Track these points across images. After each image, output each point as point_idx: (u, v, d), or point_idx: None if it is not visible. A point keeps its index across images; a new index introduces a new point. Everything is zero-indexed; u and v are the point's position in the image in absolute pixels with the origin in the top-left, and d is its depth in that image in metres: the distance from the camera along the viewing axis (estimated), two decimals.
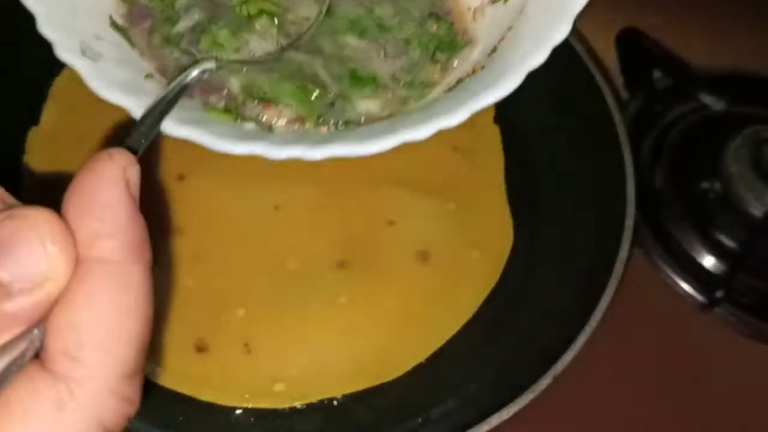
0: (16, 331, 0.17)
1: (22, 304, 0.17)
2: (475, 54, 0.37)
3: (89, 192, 0.19)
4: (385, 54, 0.37)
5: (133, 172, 0.19)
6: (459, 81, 0.35)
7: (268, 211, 0.44)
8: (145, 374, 0.38)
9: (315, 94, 0.35)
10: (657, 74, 0.55)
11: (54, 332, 0.18)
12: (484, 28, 0.38)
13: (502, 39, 0.35)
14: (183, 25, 0.36)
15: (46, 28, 0.30)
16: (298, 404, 0.39)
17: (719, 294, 0.46)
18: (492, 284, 0.44)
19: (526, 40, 0.32)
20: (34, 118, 0.46)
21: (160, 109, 0.26)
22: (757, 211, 0.48)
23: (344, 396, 0.39)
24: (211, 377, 0.39)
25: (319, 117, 0.34)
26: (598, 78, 0.46)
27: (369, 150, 0.29)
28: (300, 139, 0.31)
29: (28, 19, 0.30)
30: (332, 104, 0.35)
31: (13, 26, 0.34)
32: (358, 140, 0.30)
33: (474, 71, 0.35)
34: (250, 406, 0.39)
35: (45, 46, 0.30)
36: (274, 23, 0.36)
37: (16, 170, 0.44)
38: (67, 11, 0.32)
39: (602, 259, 0.40)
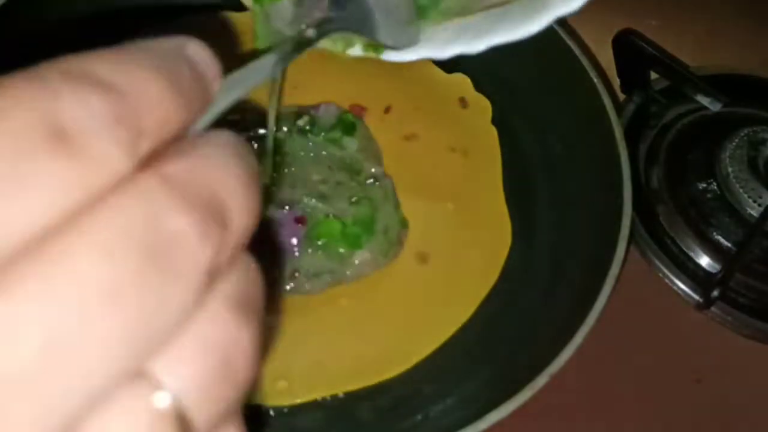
0: None
1: None
2: None
3: None
4: None
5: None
6: None
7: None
8: None
9: None
10: (654, 75, 0.55)
11: None
12: None
13: None
14: None
15: None
16: (299, 402, 0.39)
17: (715, 293, 0.46)
18: (490, 283, 0.44)
19: None
20: None
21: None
22: (753, 211, 0.48)
23: (345, 394, 0.40)
24: None
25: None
26: (596, 79, 0.46)
27: (529, 31, 0.27)
28: (458, 34, 0.30)
29: None
30: None
31: None
32: (514, 23, 0.28)
33: None
34: (252, 403, 0.39)
35: None
36: None
37: None
38: None
39: (599, 258, 0.40)
